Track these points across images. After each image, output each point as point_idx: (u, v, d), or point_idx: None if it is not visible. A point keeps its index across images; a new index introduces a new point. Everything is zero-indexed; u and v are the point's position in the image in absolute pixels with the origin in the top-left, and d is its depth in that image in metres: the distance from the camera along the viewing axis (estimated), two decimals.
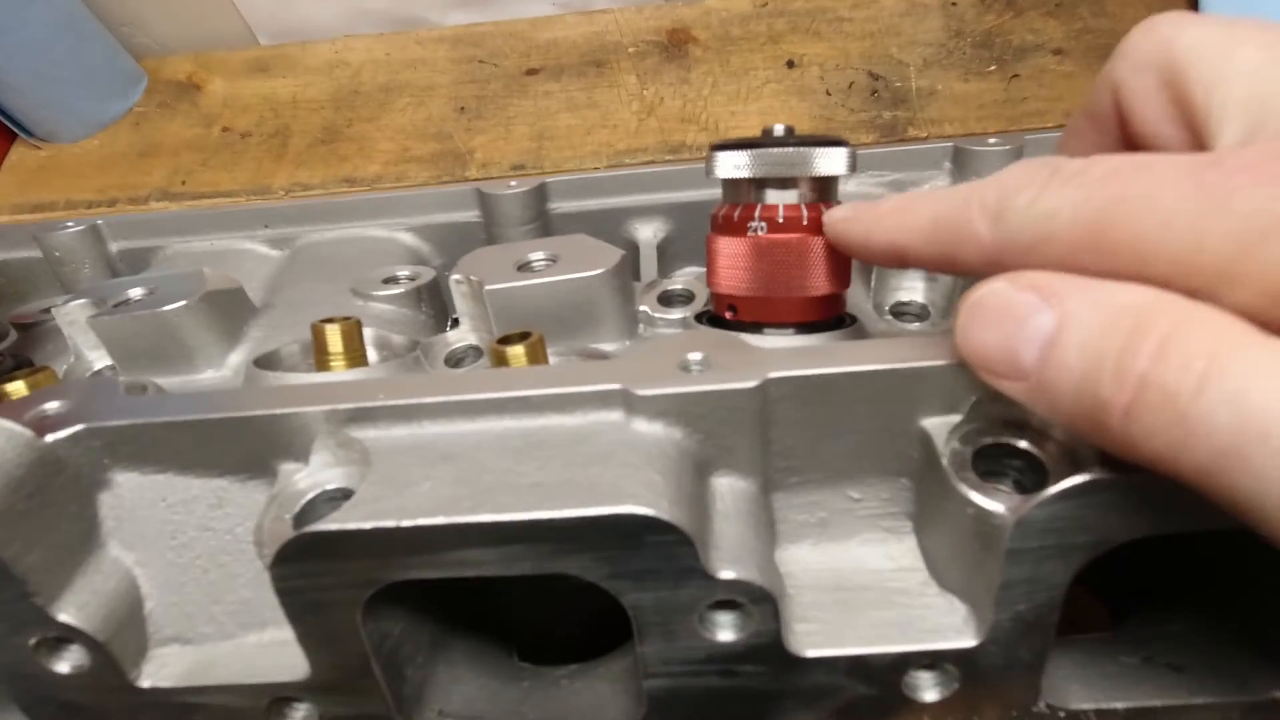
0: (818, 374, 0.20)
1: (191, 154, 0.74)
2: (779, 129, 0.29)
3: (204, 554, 0.23)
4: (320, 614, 0.20)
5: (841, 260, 0.29)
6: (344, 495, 0.21)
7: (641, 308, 0.36)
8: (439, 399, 0.21)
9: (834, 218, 0.27)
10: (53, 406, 0.22)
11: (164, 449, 0.22)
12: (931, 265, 0.23)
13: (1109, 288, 0.16)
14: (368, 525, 0.18)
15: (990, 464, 0.21)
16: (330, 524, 0.18)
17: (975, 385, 0.20)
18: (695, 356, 0.21)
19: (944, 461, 0.20)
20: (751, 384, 0.20)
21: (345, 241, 0.45)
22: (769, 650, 0.20)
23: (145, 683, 0.22)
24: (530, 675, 0.26)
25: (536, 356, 0.26)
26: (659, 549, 0.19)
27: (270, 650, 0.22)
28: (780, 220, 0.28)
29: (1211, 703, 0.22)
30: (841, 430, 0.21)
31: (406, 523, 0.18)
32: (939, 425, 0.21)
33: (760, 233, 0.28)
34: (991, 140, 0.41)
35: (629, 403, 0.20)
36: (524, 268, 0.33)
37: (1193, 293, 0.17)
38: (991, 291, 0.17)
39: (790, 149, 0.28)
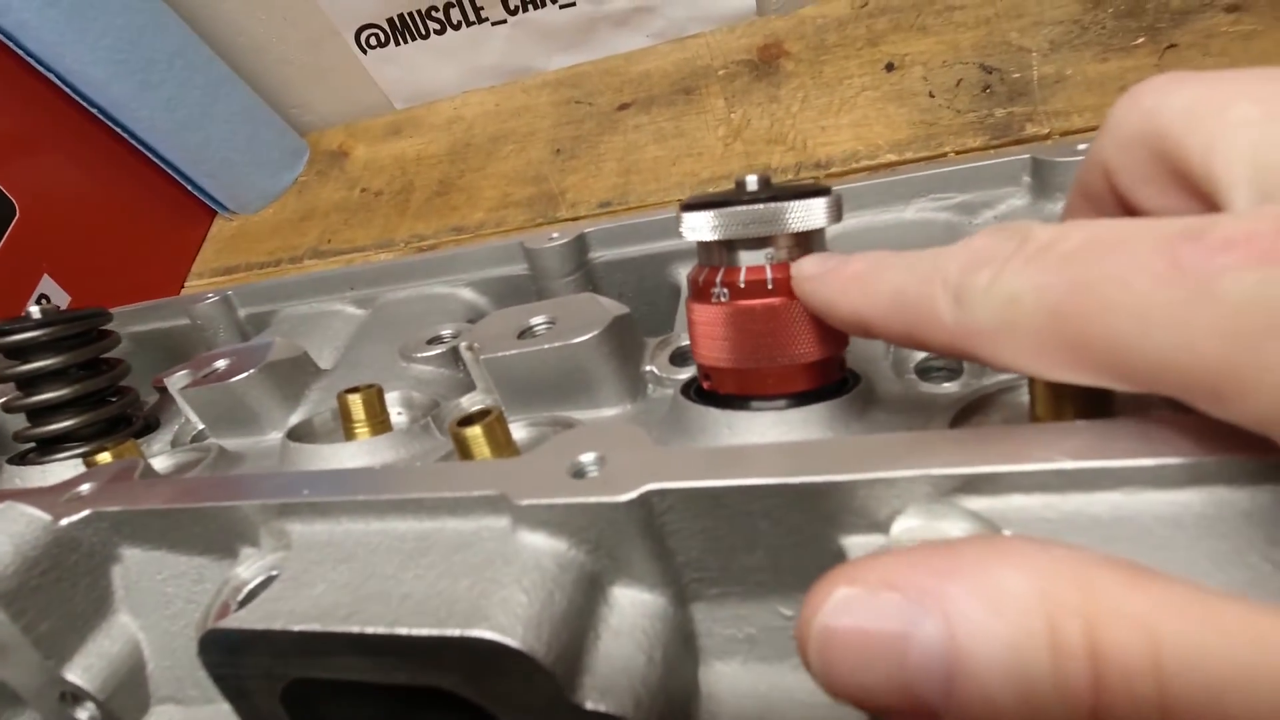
0: (699, 487, 0.18)
1: (338, 214, 0.84)
2: (752, 181, 0.26)
3: (190, 624, 0.25)
4: (248, 699, 0.22)
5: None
6: None
7: (650, 367, 0.34)
8: (346, 498, 0.21)
9: (801, 273, 0.24)
10: (83, 489, 0.26)
11: (151, 531, 0.25)
12: (897, 341, 0.20)
13: (988, 567, 0.12)
14: (259, 627, 0.19)
15: None
16: (230, 622, 0.20)
17: (899, 502, 0.17)
18: (589, 458, 0.20)
19: None
20: (627, 497, 0.18)
21: (412, 300, 0.48)
22: None
23: None
24: None
25: (494, 435, 0.26)
26: (519, 674, 0.18)
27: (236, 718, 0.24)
28: (741, 285, 0.25)
29: None
30: (750, 544, 0.19)
31: (294, 627, 0.19)
32: (861, 546, 0.18)
33: (721, 299, 0.26)
34: (1082, 146, 0.35)
35: (513, 511, 0.20)
36: (525, 333, 0.34)
37: (1193, 400, 0.13)
38: (840, 607, 0.13)
39: (755, 206, 0.25)
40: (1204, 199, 0.16)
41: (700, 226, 0.26)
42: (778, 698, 0.20)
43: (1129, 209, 0.19)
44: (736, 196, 0.26)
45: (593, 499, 0.18)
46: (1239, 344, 0.12)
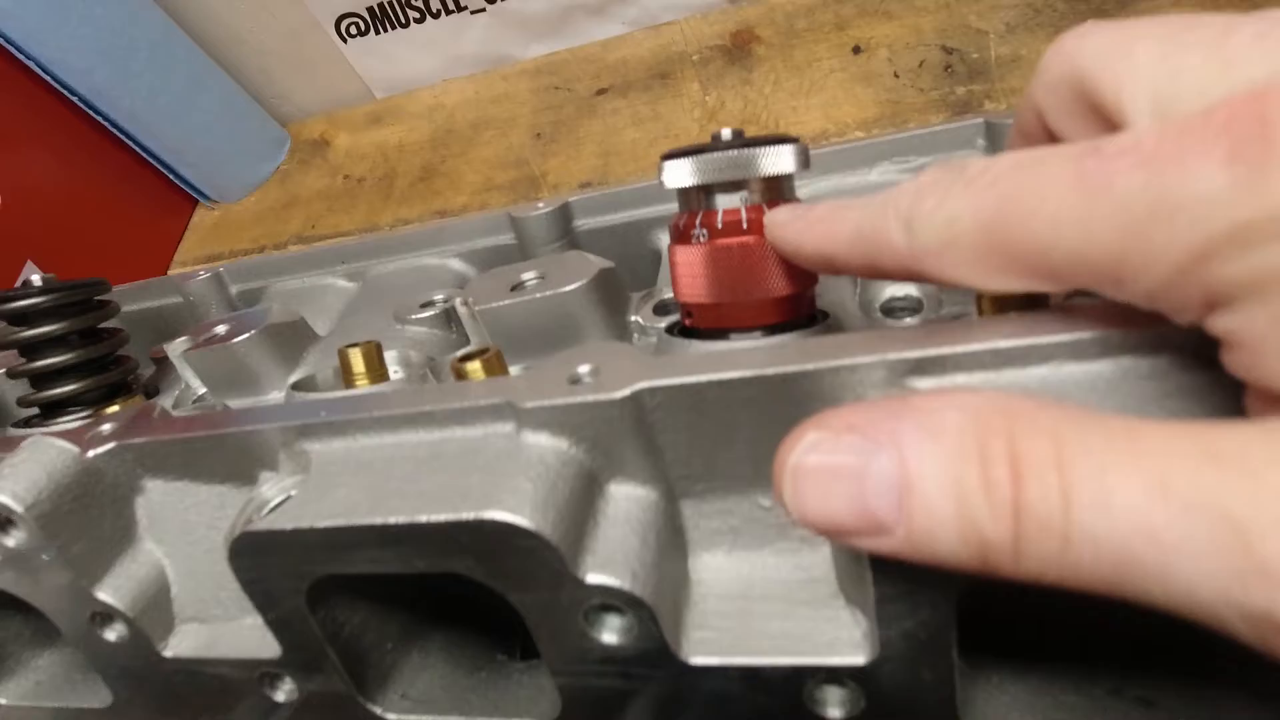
0: (683, 383, 0.20)
1: (320, 202, 0.85)
2: (726, 133, 0.29)
3: (212, 548, 0.27)
4: (274, 602, 0.23)
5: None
6: None
7: (635, 318, 0.37)
8: (362, 415, 0.23)
9: (772, 220, 0.26)
10: (105, 428, 0.28)
11: (174, 461, 0.26)
12: (859, 273, 0.22)
13: (932, 408, 0.15)
14: (288, 526, 0.21)
15: None
16: (260, 525, 0.22)
17: (860, 388, 0.20)
18: (584, 369, 0.22)
19: None
20: (620, 394, 0.20)
21: (403, 272, 0.50)
22: (657, 655, 0.21)
23: (169, 653, 0.26)
24: (492, 667, 0.28)
25: (493, 369, 0.28)
26: (527, 553, 0.20)
27: (258, 631, 0.26)
28: (719, 226, 0.27)
29: None
30: (731, 438, 0.21)
31: (319, 524, 0.21)
32: None
33: (701, 240, 0.28)
34: None
35: (518, 415, 0.22)
36: (517, 287, 0.36)
37: (1100, 286, 0.16)
38: (810, 447, 0.16)
39: (729, 152, 0.27)
40: (1116, 129, 0.19)
41: (680, 172, 0.28)
42: (759, 578, 0.22)
43: (1058, 143, 0.22)
44: (713, 146, 0.28)
45: (590, 398, 0.21)
46: (1129, 233, 0.14)
